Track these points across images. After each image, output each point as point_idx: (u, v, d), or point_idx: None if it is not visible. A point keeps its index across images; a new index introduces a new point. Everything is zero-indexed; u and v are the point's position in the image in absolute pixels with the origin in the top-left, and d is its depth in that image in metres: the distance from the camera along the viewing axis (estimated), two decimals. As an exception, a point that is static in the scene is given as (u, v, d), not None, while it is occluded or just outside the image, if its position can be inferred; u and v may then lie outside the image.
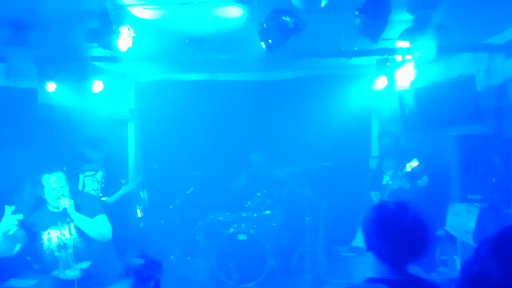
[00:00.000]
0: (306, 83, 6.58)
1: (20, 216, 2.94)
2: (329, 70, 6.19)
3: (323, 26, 3.93)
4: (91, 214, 3.26)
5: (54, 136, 5.98)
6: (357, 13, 3.12)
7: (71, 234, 3.18)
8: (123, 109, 7.13)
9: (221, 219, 5.68)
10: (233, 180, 6.18)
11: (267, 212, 5.66)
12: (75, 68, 5.39)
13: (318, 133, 6.28)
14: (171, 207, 5.93)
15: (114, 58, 4.54)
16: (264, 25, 3.40)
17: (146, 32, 4.15)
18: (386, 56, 4.31)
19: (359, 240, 1.85)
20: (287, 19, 3.31)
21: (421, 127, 4.31)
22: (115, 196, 5.30)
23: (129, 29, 3.55)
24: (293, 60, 4.46)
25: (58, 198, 3.18)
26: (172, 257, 5.91)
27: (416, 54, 3.99)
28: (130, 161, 7.24)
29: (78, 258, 3.14)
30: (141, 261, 2.10)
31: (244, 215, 5.62)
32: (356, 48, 4.34)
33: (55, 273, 3.23)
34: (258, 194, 5.70)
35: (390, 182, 5.35)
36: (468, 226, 4.88)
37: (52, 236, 3.17)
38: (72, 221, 3.17)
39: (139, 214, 5.96)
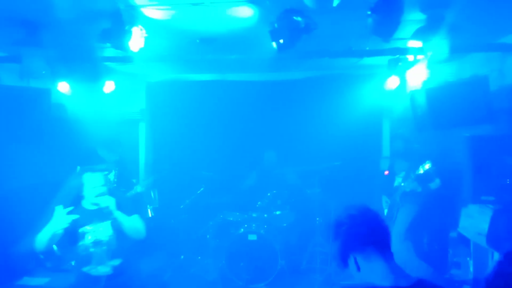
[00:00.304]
0: (317, 84, 6.56)
1: (75, 216, 3.12)
2: (340, 70, 6.16)
3: (335, 25, 3.92)
4: (127, 213, 3.35)
5: (67, 136, 6.04)
6: (369, 12, 3.10)
7: (107, 232, 3.25)
8: (134, 110, 7.18)
9: (231, 219, 5.69)
10: (243, 179, 6.19)
11: (277, 212, 5.65)
12: (87, 69, 5.44)
13: (329, 133, 6.26)
14: (181, 206, 5.95)
15: (126, 58, 4.57)
16: (275, 25, 3.40)
17: (158, 33, 4.17)
18: (398, 56, 4.28)
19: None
20: (299, 19, 3.30)
21: (433, 127, 4.27)
22: (127, 196, 5.34)
23: (141, 29, 3.57)
24: (304, 60, 4.46)
25: (98, 195, 3.30)
26: (182, 256, 5.93)
27: (428, 54, 3.96)
28: (141, 161, 7.29)
29: (111, 255, 3.21)
30: None
31: (254, 215, 5.62)
32: (367, 48, 4.32)
33: (86, 269, 3.24)
34: (268, 194, 5.70)
35: (402, 184, 5.31)
36: (481, 228, 4.82)
37: (88, 233, 3.23)
38: (109, 218, 3.27)
39: (149, 214, 5.97)
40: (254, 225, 5.49)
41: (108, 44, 3.61)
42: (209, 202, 6.01)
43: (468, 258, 5.09)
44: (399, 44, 4.24)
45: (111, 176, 5.43)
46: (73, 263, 5.20)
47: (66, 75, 4.68)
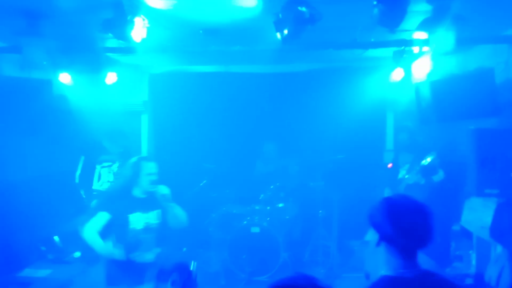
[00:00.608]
0: (321, 76, 6.52)
1: (126, 203, 3.34)
2: (344, 63, 6.11)
3: (339, 16, 3.87)
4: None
5: (70, 127, 6.03)
6: (375, 2, 3.06)
7: (157, 219, 3.41)
8: (137, 101, 7.15)
9: (234, 211, 5.68)
10: (248, 169, 6.18)
11: (280, 205, 5.64)
12: (89, 59, 5.40)
13: (332, 125, 6.23)
14: (183, 199, 5.93)
15: (128, 49, 4.53)
16: (280, 16, 3.35)
17: (160, 23, 4.13)
18: (403, 47, 4.24)
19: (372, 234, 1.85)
20: (303, 9, 3.26)
21: (438, 120, 4.23)
22: None
23: (143, 19, 3.53)
24: (308, 51, 4.41)
25: (151, 184, 3.44)
26: (184, 249, 5.93)
27: (433, 45, 3.91)
28: (144, 153, 7.27)
29: (158, 242, 3.39)
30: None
31: (257, 208, 5.61)
32: (372, 40, 4.27)
33: (132, 255, 3.33)
34: (271, 187, 5.68)
35: (406, 176, 5.29)
36: (484, 221, 4.80)
37: (138, 220, 3.36)
38: (158, 207, 3.44)
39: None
40: (256, 217, 5.48)
41: (110, 35, 3.56)
42: (211, 195, 5.99)
43: (470, 251, 5.07)
44: (404, 36, 4.19)
45: (115, 168, 5.42)
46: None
47: (67, 66, 4.64)
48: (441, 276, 1.67)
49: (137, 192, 3.50)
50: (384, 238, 1.72)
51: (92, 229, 3.37)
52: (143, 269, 3.32)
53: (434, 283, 1.64)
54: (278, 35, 3.43)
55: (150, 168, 3.52)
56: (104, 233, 3.37)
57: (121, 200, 3.39)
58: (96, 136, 5.67)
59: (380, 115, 6.64)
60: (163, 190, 3.46)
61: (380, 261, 1.73)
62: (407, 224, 1.68)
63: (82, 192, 5.26)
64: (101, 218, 3.35)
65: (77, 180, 5.27)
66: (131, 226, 3.33)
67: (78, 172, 5.29)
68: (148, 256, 3.35)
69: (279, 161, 6.11)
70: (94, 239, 3.38)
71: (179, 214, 3.53)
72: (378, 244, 1.72)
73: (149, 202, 3.45)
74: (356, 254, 5.48)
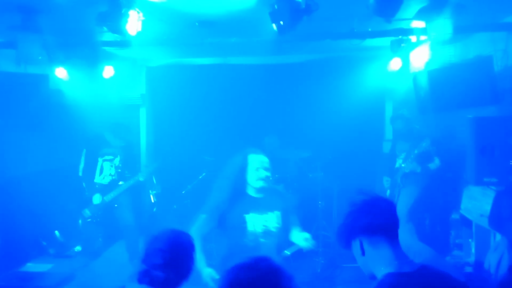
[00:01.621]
0: (319, 66, 6.49)
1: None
2: (342, 53, 6.09)
3: (336, 6, 3.84)
4: None
5: (69, 122, 6.02)
6: (371, -8, 3.03)
7: (277, 223, 2.89)
8: (135, 95, 7.13)
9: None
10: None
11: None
12: (86, 54, 5.37)
13: (331, 116, 6.22)
14: (183, 192, 5.94)
15: (124, 42, 4.51)
16: (276, 6, 3.33)
17: (156, 16, 4.10)
18: (400, 37, 4.21)
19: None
20: (299, 0, 3.23)
21: (437, 109, 4.22)
22: (130, 182, 5.34)
23: (138, 12, 3.50)
24: (305, 42, 4.39)
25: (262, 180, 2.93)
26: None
27: (431, 34, 3.88)
28: (142, 147, 7.27)
29: (281, 249, 2.91)
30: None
31: (256, 199, 5.60)
32: (370, 29, 4.25)
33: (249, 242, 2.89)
34: (270, 178, 5.68)
35: (402, 165, 5.29)
36: (483, 210, 4.81)
37: (256, 221, 2.87)
38: (279, 209, 2.93)
39: (152, 199, 5.98)
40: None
41: (105, 28, 3.54)
42: (211, 187, 5.98)
43: (470, 240, 5.09)
44: (401, 25, 4.16)
45: (116, 162, 5.41)
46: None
47: (64, 61, 4.62)
48: (436, 269, 1.69)
49: (251, 191, 2.99)
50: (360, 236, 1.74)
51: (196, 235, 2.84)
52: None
53: (432, 275, 1.66)
54: (274, 26, 3.41)
55: (260, 161, 3.01)
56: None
57: (234, 198, 2.90)
58: (97, 129, 5.65)
59: (379, 105, 6.63)
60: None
61: (373, 262, 1.73)
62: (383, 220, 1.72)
63: (83, 185, 5.25)
64: (206, 222, 2.91)
65: (80, 173, 5.26)
66: (248, 225, 2.84)
67: (81, 165, 5.28)
68: None
69: (278, 153, 6.10)
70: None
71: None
72: (362, 250, 1.73)
73: (266, 203, 2.91)
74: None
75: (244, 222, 2.82)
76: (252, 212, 2.83)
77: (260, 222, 2.83)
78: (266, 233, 2.83)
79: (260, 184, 2.95)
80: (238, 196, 2.85)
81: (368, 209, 1.73)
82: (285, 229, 2.90)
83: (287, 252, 2.90)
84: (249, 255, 1.58)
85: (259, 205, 2.87)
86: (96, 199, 5.22)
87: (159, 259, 1.90)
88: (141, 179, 5.35)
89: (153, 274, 1.89)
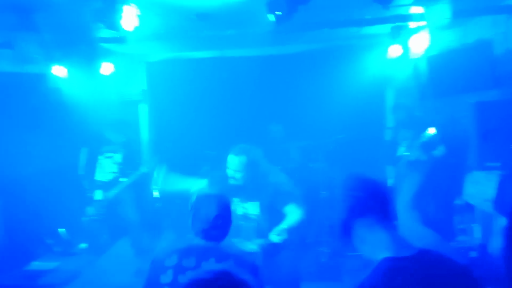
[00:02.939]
0: (318, 56, 6.46)
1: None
2: (341, 41, 6.05)
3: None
4: None
5: (69, 120, 6.02)
6: (367, -21, 3.00)
7: (256, 211, 3.21)
8: (135, 91, 7.12)
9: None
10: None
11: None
12: (83, 51, 5.35)
13: (331, 105, 6.19)
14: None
15: (122, 38, 4.48)
16: (272, -3, 3.30)
17: (152, 10, 4.07)
18: (399, 23, 4.17)
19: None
20: (295, -11, 3.20)
21: (438, 95, 4.20)
22: (135, 175, 5.34)
23: (133, 8, 3.47)
24: (303, 32, 4.35)
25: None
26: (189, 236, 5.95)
27: (430, 19, 3.85)
28: (144, 143, 7.27)
29: (260, 234, 3.13)
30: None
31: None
32: (368, 17, 4.21)
33: (235, 240, 3.18)
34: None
35: (406, 154, 5.27)
36: (487, 194, 4.81)
37: (237, 206, 3.20)
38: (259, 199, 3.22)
39: (155, 194, 5.97)
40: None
41: (101, 25, 3.52)
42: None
43: (473, 225, 5.09)
44: (400, 11, 4.12)
45: (118, 158, 5.41)
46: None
47: (61, 59, 4.61)
48: (437, 252, 1.67)
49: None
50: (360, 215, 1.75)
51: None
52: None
53: (432, 259, 1.64)
54: (271, 16, 3.38)
55: (229, 163, 3.33)
56: None
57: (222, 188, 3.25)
58: (97, 127, 5.64)
59: (380, 92, 6.59)
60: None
61: (371, 244, 1.72)
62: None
63: (85, 183, 5.26)
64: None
65: (81, 172, 5.26)
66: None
67: (82, 164, 5.27)
68: (250, 245, 3.15)
69: (280, 144, 6.09)
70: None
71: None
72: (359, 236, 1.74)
73: (248, 192, 3.23)
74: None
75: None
76: (234, 198, 3.17)
77: (240, 207, 3.17)
78: (245, 217, 3.16)
79: (231, 181, 3.29)
80: (226, 185, 3.21)
81: (359, 191, 1.75)
82: (267, 217, 3.18)
83: (253, 247, 3.12)
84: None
85: (241, 194, 3.23)
86: (98, 195, 5.22)
87: (217, 221, 2.38)
88: (145, 170, 5.37)
89: (212, 232, 2.38)
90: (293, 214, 3.22)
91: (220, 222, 2.38)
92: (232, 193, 3.10)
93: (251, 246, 3.12)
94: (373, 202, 1.72)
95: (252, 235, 3.12)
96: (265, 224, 3.09)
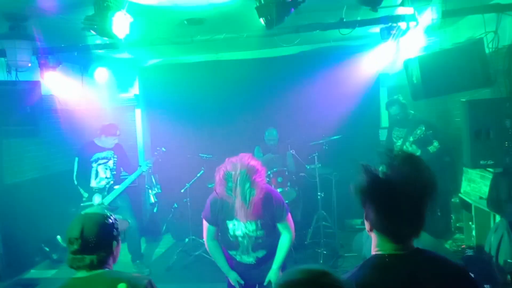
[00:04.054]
0: (311, 57, 6.48)
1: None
2: (333, 43, 6.07)
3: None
4: None
5: (63, 126, 6.02)
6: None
7: (256, 229, 3.06)
8: (129, 95, 7.14)
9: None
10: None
11: (279, 190, 5.63)
12: (77, 57, 5.36)
13: (326, 107, 6.21)
14: (182, 190, 5.94)
15: (114, 45, 4.49)
16: (262, 1, 3.31)
17: (143, 16, 4.08)
18: (390, 24, 4.18)
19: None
20: (285, -8, 3.21)
21: (430, 94, 4.21)
22: (127, 182, 5.35)
23: (125, 14, 3.48)
24: (295, 34, 4.36)
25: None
26: (187, 240, 5.96)
27: (421, 20, 3.87)
28: (140, 146, 7.28)
29: (257, 248, 3.11)
30: None
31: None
32: (359, 18, 4.22)
33: (232, 252, 3.19)
34: (269, 173, 5.67)
35: (400, 151, 5.29)
36: (482, 192, 4.83)
37: (237, 226, 3.06)
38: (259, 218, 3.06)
39: (152, 199, 5.98)
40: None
41: (93, 32, 3.52)
42: (209, 185, 5.99)
43: (470, 223, 5.11)
44: (390, 12, 4.14)
45: (110, 164, 5.41)
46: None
47: (55, 66, 4.60)
48: (432, 252, 1.66)
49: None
50: (373, 226, 1.65)
51: (210, 241, 3.22)
52: (243, 268, 3.21)
53: (425, 259, 1.64)
54: (262, 20, 3.39)
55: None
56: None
57: (223, 205, 3.07)
58: (88, 136, 5.63)
59: (373, 93, 6.62)
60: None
61: (371, 246, 1.71)
62: (392, 212, 1.58)
63: (81, 191, 5.25)
64: (212, 229, 3.18)
65: (75, 182, 5.25)
66: (229, 229, 3.08)
67: (75, 174, 5.26)
68: (246, 258, 3.15)
69: (276, 146, 6.09)
70: (215, 253, 3.26)
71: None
72: (371, 230, 1.69)
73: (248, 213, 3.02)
74: (357, 234, 5.50)
75: (226, 227, 3.08)
76: (235, 219, 3.04)
77: (240, 228, 3.06)
78: (246, 236, 3.07)
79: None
80: (226, 204, 3.05)
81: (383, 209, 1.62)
82: (268, 234, 3.09)
83: (251, 259, 3.17)
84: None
85: (242, 213, 3.00)
86: (96, 199, 5.21)
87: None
88: (144, 169, 5.43)
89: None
90: (282, 247, 3.15)
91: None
92: (233, 214, 3.02)
93: (248, 259, 3.15)
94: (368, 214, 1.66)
95: (249, 249, 3.11)
96: (262, 239, 3.09)
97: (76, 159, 5.31)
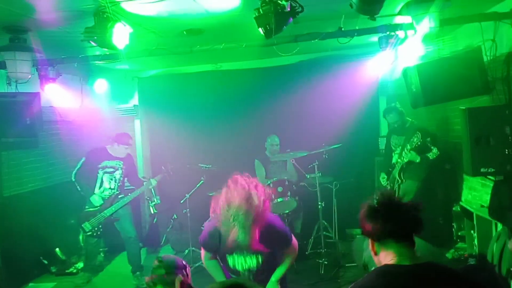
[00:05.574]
0: (310, 66, 6.50)
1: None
2: (332, 52, 6.09)
3: (321, 7, 3.85)
4: None
5: (62, 139, 6.02)
6: (353, -10, 3.03)
7: (257, 264, 2.99)
8: (128, 106, 7.15)
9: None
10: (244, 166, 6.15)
11: (279, 200, 5.61)
12: (76, 69, 5.38)
13: (325, 116, 6.22)
14: (181, 201, 5.91)
15: (114, 56, 4.50)
16: (261, 11, 3.32)
17: (143, 27, 4.10)
18: (388, 32, 4.20)
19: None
20: (283, 2, 3.23)
21: (429, 102, 4.21)
22: (132, 195, 5.34)
23: (124, 25, 3.50)
24: (294, 44, 4.38)
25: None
26: (186, 251, 5.93)
27: (419, 28, 3.89)
28: (139, 156, 7.26)
29: (259, 278, 3.02)
30: None
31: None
32: (357, 27, 4.25)
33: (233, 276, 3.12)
34: (269, 182, 5.66)
35: (399, 160, 5.29)
36: (483, 200, 4.81)
37: (237, 261, 2.99)
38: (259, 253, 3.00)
39: (152, 210, 5.95)
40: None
41: (93, 44, 3.53)
42: (209, 194, 5.97)
43: (472, 231, 5.08)
44: (388, 21, 4.17)
45: (118, 175, 5.39)
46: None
47: (55, 77, 4.62)
48: (440, 265, 1.68)
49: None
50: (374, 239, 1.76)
51: (208, 261, 3.14)
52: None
53: (433, 271, 1.64)
54: (261, 30, 3.40)
55: None
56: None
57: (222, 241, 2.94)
58: (99, 143, 5.62)
59: (373, 102, 6.62)
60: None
61: (381, 259, 1.74)
62: (390, 227, 1.70)
63: (78, 189, 5.21)
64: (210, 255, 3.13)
65: (73, 178, 5.20)
66: (230, 262, 3.01)
67: (74, 171, 5.22)
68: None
69: (275, 156, 6.08)
70: (214, 272, 3.16)
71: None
72: (374, 251, 1.75)
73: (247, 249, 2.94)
74: (358, 243, 5.46)
75: (226, 260, 3.01)
76: (235, 253, 2.96)
77: (240, 262, 2.98)
78: (246, 269, 3.00)
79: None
80: (225, 237, 2.89)
81: (379, 216, 1.74)
82: (270, 265, 3.04)
83: None
84: None
85: (242, 248, 2.93)
86: (96, 213, 5.18)
87: None
88: (152, 185, 5.46)
89: None
90: (284, 264, 3.10)
91: None
92: (233, 249, 2.92)
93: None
94: (390, 226, 1.74)
95: (251, 278, 3.02)
96: (263, 270, 3.02)
97: (82, 159, 5.29)
